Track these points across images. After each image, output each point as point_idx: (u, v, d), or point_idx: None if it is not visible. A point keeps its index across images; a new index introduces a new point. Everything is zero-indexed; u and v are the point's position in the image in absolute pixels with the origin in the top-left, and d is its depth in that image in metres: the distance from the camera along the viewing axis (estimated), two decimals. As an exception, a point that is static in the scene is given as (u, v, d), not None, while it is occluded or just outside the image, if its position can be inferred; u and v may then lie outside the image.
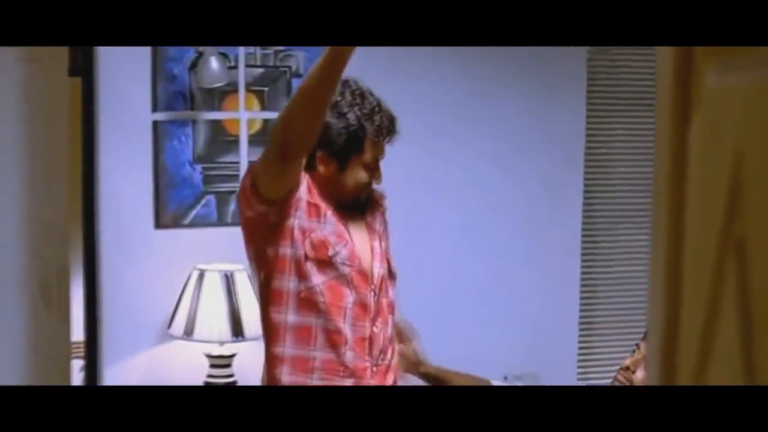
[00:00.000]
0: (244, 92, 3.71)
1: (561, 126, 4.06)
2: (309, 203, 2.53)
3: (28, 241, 1.53)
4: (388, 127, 2.58)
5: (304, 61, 3.72)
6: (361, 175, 2.59)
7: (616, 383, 3.13)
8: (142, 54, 3.56)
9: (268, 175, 2.46)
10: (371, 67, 3.72)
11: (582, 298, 4.19)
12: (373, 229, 2.65)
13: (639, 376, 3.07)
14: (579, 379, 4.14)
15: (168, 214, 3.64)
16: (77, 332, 3.49)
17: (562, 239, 4.08)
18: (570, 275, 4.12)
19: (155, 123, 3.61)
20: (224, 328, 3.48)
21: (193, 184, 3.66)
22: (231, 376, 3.56)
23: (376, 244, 2.64)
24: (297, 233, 2.51)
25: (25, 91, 1.55)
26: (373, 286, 2.60)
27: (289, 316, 2.53)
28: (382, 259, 2.64)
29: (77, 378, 3.68)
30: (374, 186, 2.67)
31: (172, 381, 3.57)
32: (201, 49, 3.61)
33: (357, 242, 2.60)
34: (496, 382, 2.85)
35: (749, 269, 0.69)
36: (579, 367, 4.18)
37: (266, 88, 3.73)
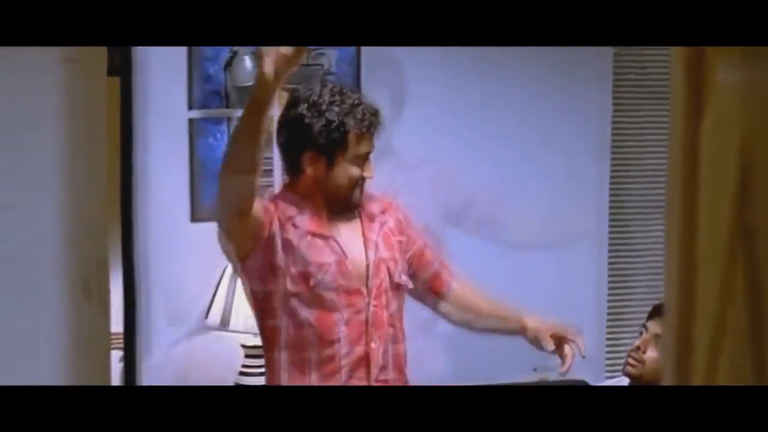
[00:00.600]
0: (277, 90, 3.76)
1: (588, 116, 4.06)
2: (284, 240, 2.54)
3: (68, 235, 1.56)
4: (370, 119, 2.59)
5: (336, 59, 3.77)
6: (352, 171, 2.59)
7: (629, 367, 3.14)
8: (179, 54, 3.62)
9: (228, 235, 2.52)
10: (396, 59, 3.75)
11: (610, 289, 4.20)
12: (369, 239, 2.64)
13: (649, 356, 3.09)
14: (607, 370, 4.15)
15: (203, 208, 3.70)
16: (116, 324, 3.56)
17: (588, 229, 4.09)
18: (597, 266, 4.13)
19: (191, 121, 3.67)
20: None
21: (228, 179, 3.72)
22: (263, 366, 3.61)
23: (371, 253, 2.63)
24: (278, 272, 2.54)
25: (66, 90, 1.59)
26: (368, 300, 2.59)
27: (281, 353, 2.56)
28: (380, 269, 2.63)
29: (116, 368, 3.74)
30: (376, 197, 2.67)
31: (208, 371, 3.63)
32: (235, 48, 3.67)
33: (351, 254, 2.60)
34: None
35: (759, 256, 0.73)
36: (607, 358, 4.19)
37: (299, 86, 3.78)
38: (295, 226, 2.55)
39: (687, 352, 0.80)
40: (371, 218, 2.67)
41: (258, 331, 2.68)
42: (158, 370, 3.66)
